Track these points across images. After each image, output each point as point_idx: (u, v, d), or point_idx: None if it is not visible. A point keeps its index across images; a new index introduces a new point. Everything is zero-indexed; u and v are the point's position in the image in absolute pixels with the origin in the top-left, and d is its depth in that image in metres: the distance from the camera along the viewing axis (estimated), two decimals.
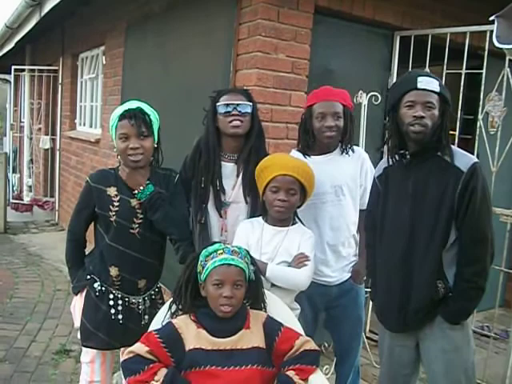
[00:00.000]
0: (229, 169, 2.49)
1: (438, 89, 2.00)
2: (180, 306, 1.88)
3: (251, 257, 1.93)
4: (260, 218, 2.31)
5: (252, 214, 2.44)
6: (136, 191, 2.26)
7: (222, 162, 2.49)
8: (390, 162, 2.17)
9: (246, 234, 2.25)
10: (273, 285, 2.16)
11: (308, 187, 2.26)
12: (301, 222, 2.35)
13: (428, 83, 1.99)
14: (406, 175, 2.11)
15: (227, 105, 2.39)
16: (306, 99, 2.70)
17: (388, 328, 2.24)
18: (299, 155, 2.55)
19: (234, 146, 2.48)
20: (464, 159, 2.03)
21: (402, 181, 2.12)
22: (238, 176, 2.48)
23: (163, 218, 2.28)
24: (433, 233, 2.02)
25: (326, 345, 3.49)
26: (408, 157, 2.11)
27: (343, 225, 2.56)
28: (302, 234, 2.26)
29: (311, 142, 2.55)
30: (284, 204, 2.18)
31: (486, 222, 2.02)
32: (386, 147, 2.24)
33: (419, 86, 1.99)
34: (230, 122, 2.39)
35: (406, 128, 2.02)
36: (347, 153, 2.56)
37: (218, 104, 2.42)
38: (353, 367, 2.75)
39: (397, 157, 2.14)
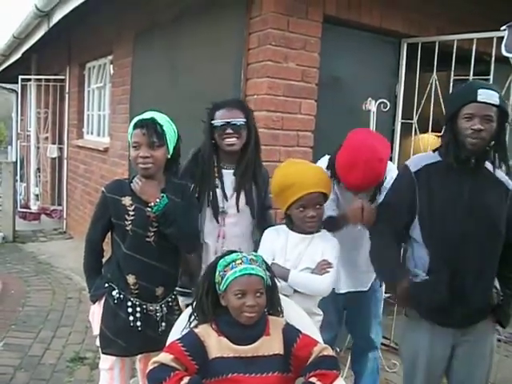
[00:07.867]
0: (228, 179, 2.56)
1: (497, 102, 1.99)
2: (201, 316, 1.89)
3: (266, 263, 1.95)
4: (284, 226, 2.35)
5: (250, 222, 2.57)
6: (152, 204, 2.26)
7: (222, 170, 2.56)
8: (437, 159, 2.14)
9: (271, 241, 2.30)
10: (295, 291, 2.20)
11: (328, 194, 2.32)
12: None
13: (488, 96, 1.98)
14: (461, 180, 2.09)
15: (221, 121, 2.45)
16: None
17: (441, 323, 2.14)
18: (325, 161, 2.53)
19: (231, 159, 2.56)
20: None
21: (454, 185, 2.10)
22: (235, 190, 2.54)
23: (176, 233, 2.30)
24: (492, 242, 2.08)
25: (338, 349, 3.51)
26: (473, 161, 2.08)
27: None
28: (327, 242, 2.30)
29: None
30: (314, 219, 2.24)
31: None
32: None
33: (479, 99, 1.98)
34: (225, 139, 2.45)
35: (463, 139, 2.03)
36: None
37: (213, 121, 2.49)
38: (375, 363, 2.83)
39: (454, 160, 2.09)
